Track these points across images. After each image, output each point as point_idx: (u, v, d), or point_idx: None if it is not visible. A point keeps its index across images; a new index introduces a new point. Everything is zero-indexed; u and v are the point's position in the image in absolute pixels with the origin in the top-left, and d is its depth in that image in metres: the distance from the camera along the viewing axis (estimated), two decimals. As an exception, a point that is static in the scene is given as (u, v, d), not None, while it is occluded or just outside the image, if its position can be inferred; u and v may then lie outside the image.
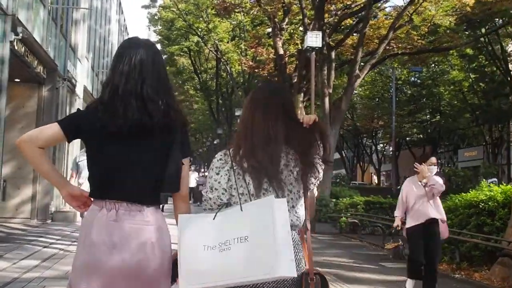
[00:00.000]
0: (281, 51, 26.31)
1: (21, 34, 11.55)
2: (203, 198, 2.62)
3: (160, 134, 2.41)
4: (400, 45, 25.57)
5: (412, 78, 47.68)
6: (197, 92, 49.04)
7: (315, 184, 2.69)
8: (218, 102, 43.60)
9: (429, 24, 25.86)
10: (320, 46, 16.87)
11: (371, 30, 25.28)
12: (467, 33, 28.13)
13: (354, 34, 25.81)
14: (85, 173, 9.37)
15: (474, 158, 51.14)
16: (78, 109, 3.04)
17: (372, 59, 21.07)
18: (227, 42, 36.51)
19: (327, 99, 20.20)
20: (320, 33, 16.77)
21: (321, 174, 2.69)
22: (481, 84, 41.30)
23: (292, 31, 29.78)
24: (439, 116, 48.04)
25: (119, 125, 2.33)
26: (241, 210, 2.41)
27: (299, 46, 26.37)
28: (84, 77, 20.29)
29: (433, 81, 44.84)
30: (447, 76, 43.20)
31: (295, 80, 26.40)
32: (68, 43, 17.28)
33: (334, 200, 18.08)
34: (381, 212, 16.02)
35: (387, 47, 22.63)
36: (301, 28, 29.75)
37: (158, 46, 51.00)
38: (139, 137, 2.39)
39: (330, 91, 20.94)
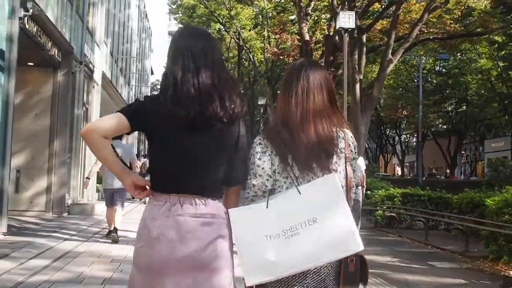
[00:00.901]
0: (307, 37, 25.05)
1: (31, 10, 10.42)
2: (247, 186, 2.49)
3: (225, 125, 2.35)
4: (431, 30, 24.16)
5: (437, 67, 46.38)
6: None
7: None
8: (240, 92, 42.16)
9: (463, 7, 24.39)
10: (353, 27, 15.56)
11: (402, 14, 23.90)
12: (502, 17, 26.41)
13: (383, 18, 24.47)
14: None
15: (501, 149, 49.55)
16: (137, 99, 2.69)
17: (406, 42, 19.70)
18: (249, 30, 35.24)
19: (358, 86, 18.91)
20: (353, 13, 15.47)
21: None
22: (510, 72, 39.69)
23: (316, 17, 28.47)
24: (465, 106, 46.65)
25: (188, 118, 2.28)
26: (300, 193, 2.33)
27: (326, 31, 25.07)
28: (102, 62, 19.15)
29: (459, 70, 43.41)
30: (474, 65, 41.67)
31: (322, 67, 25.20)
32: (85, 26, 16.09)
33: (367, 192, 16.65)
34: (419, 205, 14.73)
35: (418, 32, 21.23)
36: (324, 16, 28.52)
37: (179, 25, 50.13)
38: (206, 129, 2.33)
39: (361, 77, 19.63)
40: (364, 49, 20.02)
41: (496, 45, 38.34)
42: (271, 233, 2.30)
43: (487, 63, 40.86)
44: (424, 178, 36.94)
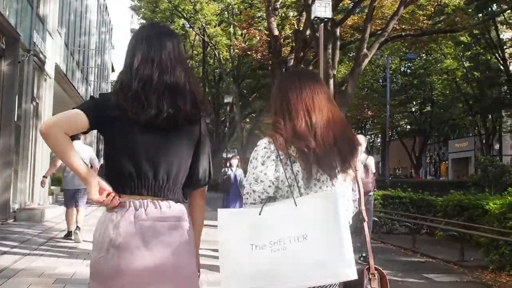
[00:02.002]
0: (276, 32, 23.65)
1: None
2: (245, 191, 2.36)
3: (189, 124, 2.24)
4: (404, 26, 23.09)
5: (402, 68, 45.81)
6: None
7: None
8: (205, 90, 40.53)
9: (436, 3, 23.38)
10: (330, 16, 14.20)
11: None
12: (475, 14, 25.53)
13: (355, 14, 23.32)
14: (66, 168, 9.28)
15: (465, 150, 49.28)
16: (92, 97, 2.34)
17: (381, 37, 18.46)
18: (215, 26, 33.71)
19: (331, 81, 17.57)
20: (329, 2, 14.11)
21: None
22: (475, 73, 39.25)
23: (283, 14, 27.14)
24: (430, 107, 46.14)
25: (151, 116, 2.13)
26: (295, 205, 2.19)
27: (295, 26, 23.75)
28: (56, 54, 17.27)
29: (425, 70, 42.84)
30: (440, 65, 41.11)
31: (291, 63, 23.89)
32: (35, 12, 14.32)
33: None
34: (400, 208, 13.48)
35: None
36: (292, 14, 27.19)
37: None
38: (170, 130, 2.19)
39: (335, 72, 18.33)
40: (338, 43, 18.73)
41: (462, 45, 37.92)
42: (258, 242, 2.16)
43: (453, 63, 40.41)
44: (390, 178, 36.07)
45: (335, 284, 2.25)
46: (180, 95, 2.21)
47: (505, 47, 36.03)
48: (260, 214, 2.22)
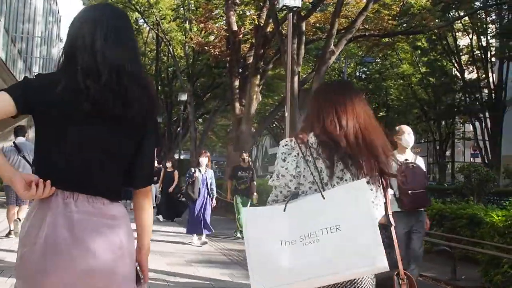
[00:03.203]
0: (235, 27, 22.33)
1: None
2: (273, 188, 2.37)
3: (134, 121, 2.01)
4: (367, 26, 22.09)
5: (357, 73, 45.16)
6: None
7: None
8: (157, 88, 38.55)
9: (402, 3, 22.45)
10: (299, 5, 12.86)
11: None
12: (441, 15, 24.70)
13: (318, 11, 22.16)
14: (12, 164, 8.54)
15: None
16: (26, 77, 2.01)
17: (349, 33, 17.32)
18: (170, 22, 31.93)
19: (296, 78, 16.30)
20: (299, -11, 12.79)
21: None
22: (430, 78, 38.85)
23: (241, 12, 25.73)
24: (384, 111, 45.60)
25: (90, 110, 1.90)
26: (323, 198, 2.16)
27: (256, 21, 22.42)
28: (-7, 39, 15.46)
29: (380, 75, 42.25)
30: (396, 70, 40.57)
31: (250, 61, 22.55)
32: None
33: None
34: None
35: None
36: (248, 13, 25.82)
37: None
38: (111, 124, 1.97)
39: (300, 69, 17.07)
40: (304, 38, 17.44)
41: (419, 50, 37.44)
42: (287, 238, 2.12)
43: (409, 68, 39.93)
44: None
45: (368, 279, 2.21)
46: (128, 87, 1.97)
47: (461, 53, 35.73)
48: (284, 211, 2.17)
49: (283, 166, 2.30)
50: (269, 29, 21.58)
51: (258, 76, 21.63)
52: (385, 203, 2.37)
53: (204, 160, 10.53)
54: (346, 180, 2.27)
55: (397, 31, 22.11)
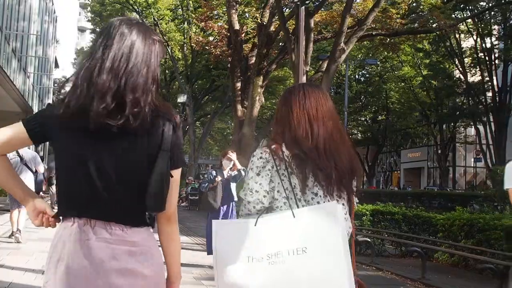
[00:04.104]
0: (237, 26, 21.36)
1: None
2: (242, 203, 2.26)
3: (146, 139, 1.87)
4: (374, 25, 21.12)
5: (357, 76, 44.35)
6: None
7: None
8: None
9: (410, 1, 21.54)
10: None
11: (342, 7, 20.79)
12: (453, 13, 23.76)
13: (325, 9, 21.24)
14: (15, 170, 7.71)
15: (417, 159, 48.18)
16: (49, 104, 2.01)
17: (360, 30, 16.35)
18: (168, 22, 30.97)
19: (304, 78, 15.32)
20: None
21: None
22: (432, 81, 38.00)
23: (240, 12, 24.77)
24: (384, 115, 44.75)
25: (98, 127, 1.79)
26: (294, 217, 2.08)
27: (259, 20, 21.48)
28: (-15, 35, 14.40)
29: (380, 77, 41.41)
30: (397, 73, 39.73)
31: (253, 61, 21.60)
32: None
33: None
34: (392, 225, 11.26)
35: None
36: (248, 12, 24.86)
37: (89, 25, 45.48)
38: (121, 144, 1.85)
39: (308, 68, 16.09)
40: (312, 35, 16.46)
41: (421, 53, 36.65)
42: (255, 255, 2.05)
43: (410, 71, 39.13)
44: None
45: None
46: (132, 102, 1.82)
47: (464, 56, 34.92)
48: (255, 225, 2.10)
49: (257, 182, 2.20)
50: (272, 28, 20.67)
51: (261, 77, 20.68)
52: (351, 216, 2.31)
53: (227, 162, 8.72)
54: (320, 196, 2.18)
55: (405, 30, 21.10)
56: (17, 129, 1.90)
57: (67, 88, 1.91)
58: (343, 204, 2.23)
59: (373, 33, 21.02)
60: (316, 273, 1.97)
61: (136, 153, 1.88)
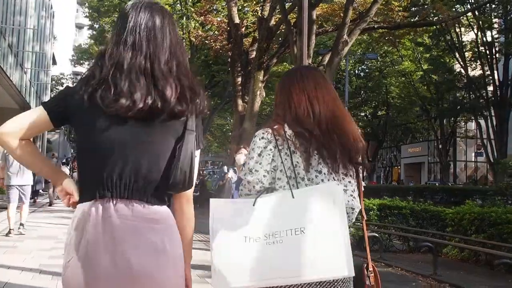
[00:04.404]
0: (237, 20, 20.97)
1: None
2: (242, 183, 2.23)
3: (172, 120, 1.89)
4: (376, 18, 20.77)
5: (356, 70, 44.00)
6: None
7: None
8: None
9: (413, -8, 21.24)
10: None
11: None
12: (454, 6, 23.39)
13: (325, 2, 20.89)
14: (15, 165, 9.73)
15: (418, 155, 47.88)
16: (67, 86, 2.02)
17: (363, 22, 16.02)
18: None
19: (307, 71, 14.98)
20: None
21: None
22: (433, 76, 37.66)
23: (240, 7, 24.39)
24: (384, 110, 44.39)
25: (123, 107, 1.81)
26: (293, 197, 2.06)
27: (259, 13, 21.13)
28: (-20, 29, 14.04)
29: (380, 72, 41.03)
30: (397, 67, 39.35)
31: (253, 55, 21.22)
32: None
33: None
34: (399, 220, 10.95)
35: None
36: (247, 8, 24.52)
37: (86, 22, 45.09)
38: (146, 123, 1.86)
39: (310, 61, 15.73)
40: (314, 28, 16.12)
41: (421, 47, 36.33)
42: (252, 234, 2.03)
43: (411, 65, 38.77)
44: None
45: (336, 280, 2.08)
46: (162, 83, 1.86)
47: (465, 50, 34.58)
48: (254, 205, 2.07)
49: (258, 161, 2.17)
50: (273, 22, 20.31)
51: (262, 72, 20.31)
52: (359, 195, 2.25)
53: (240, 157, 7.86)
54: (324, 174, 2.15)
55: (407, 23, 20.75)
56: (38, 112, 1.91)
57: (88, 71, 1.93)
58: (349, 182, 2.20)
59: (375, 26, 20.67)
60: (313, 254, 1.95)
61: (163, 132, 1.89)
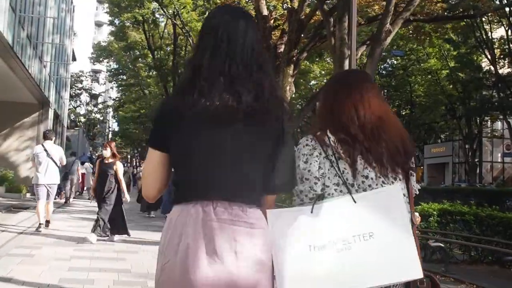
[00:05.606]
0: (265, 11, 19.74)
1: None
2: (294, 193, 2.17)
3: (269, 121, 1.89)
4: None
5: (379, 69, 42.59)
6: (151, 72, 41.65)
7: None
8: (174, 84, 35.85)
9: (453, -17, 19.80)
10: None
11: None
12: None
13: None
14: (43, 164, 10.49)
15: (441, 155, 46.24)
16: (157, 109, 2.03)
17: (406, 11, 14.60)
18: (188, 12, 29.33)
19: (347, 62, 13.63)
20: None
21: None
22: (459, 74, 36.10)
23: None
24: (408, 109, 42.90)
25: (206, 108, 1.82)
26: (355, 202, 1.98)
27: (289, 4, 19.89)
28: (-4, 15, 12.86)
29: (404, 70, 39.53)
30: (423, 65, 37.84)
31: (282, 49, 19.94)
32: None
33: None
34: (461, 226, 9.59)
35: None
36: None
37: (106, 17, 44.05)
38: (243, 125, 1.85)
39: (350, 52, 14.39)
40: (355, 15, 14.75)
41: (449, 45, 34.82)
42: (316, 243, 1.94)
43: (437, 63, 37.24)
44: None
45: (398, 284, 2.01)
46: (255, 86, 1.88)
47: (495, 46, 33.00)
48: (312, 212, 1.99)
49: (305, 168, 2.07)
50: (303, 14, 19.04)
51: (292, 66, 19.11)
52: (409, 200, 2.13)
53: None
54: (372, 179, 2.05)
55: (446, 16, 19.34)
56: (152, 155, 1.95)
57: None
58: (401, 188, 2.08)
59: (411, 18, 19.27)
60: (384, 258, 1.88)
61: (262, 135, 1.88)
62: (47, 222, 10.58)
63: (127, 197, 9.72)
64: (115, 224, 9.45)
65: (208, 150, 1.84)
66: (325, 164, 2.08)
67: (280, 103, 1.95)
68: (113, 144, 10.03)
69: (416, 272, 1.91)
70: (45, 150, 10.54)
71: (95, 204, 10.18)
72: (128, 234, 9.61)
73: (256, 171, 1.89)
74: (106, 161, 9.54)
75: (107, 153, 9.54)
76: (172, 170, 2.00)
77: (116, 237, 9.50)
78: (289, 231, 1.96)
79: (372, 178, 2.05)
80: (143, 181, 2.05)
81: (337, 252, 1.90)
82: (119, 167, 9.49)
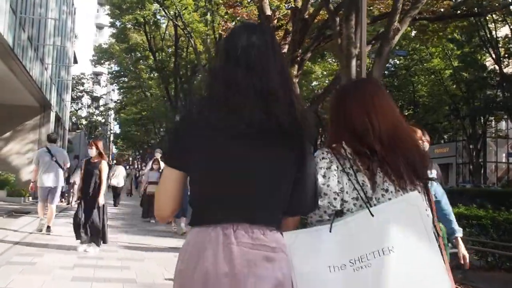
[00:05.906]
0: (269, 11, 19.46)
1: None
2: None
3: (290, 140, 1.84)
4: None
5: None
6: (152, 73, 41.43)
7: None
8: (176, 85, 35.58)
9: (458, -18, 19.48)
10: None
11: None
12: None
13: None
14: (47, 167, 10.60)
15: (445, 155, 45.88)
16: (175, 124, 2.04)
17: (414, 9, 14.26)
18: (190, 13, 29.03)
19: (354, 62, 13.30)
20: None
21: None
22: (463, 73, 35.77)
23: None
24: (411, 109, 42.56)
25: (234, 125, 1.77)
26: (372, 215, 1.85)
27: (293, 3, 19.62)
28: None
29: (407, 70, 39.21)
30: (426, 65, 37.51)
31: (285, 49, 19.64)
32: None
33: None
34: (478, 231, 9.23)
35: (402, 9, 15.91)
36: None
37: (107, 19, 43.74)
38: (265, 145, 1.81)
39: (357, 51, 14.06)
40: (364, 14, 14.43)
41: (452, 44, 34.46)
42: (335, 263, 1.84)
43: (440, 63, 36.92)
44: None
45: None
46: (279, 103, 1.82)
47: (499, 45, 32.66)
48: (331, 231, 1.88)
49: (324, 183, 1.95)
50: (307, 13, 18.75)
51: (296, 66, 18.84)
52: (431, 211, 2.01)
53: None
54: (391, 192, 1.94)
55: (452, 14, 19.03)
56: (169, 175, 1.87)
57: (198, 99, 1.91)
58: (422, 200, 1.98)
59: (417, 17, 18.96)
60: (406, 273, 1.76)
61: (287, 156, 1.84)
62: (48, 227, 10.54)
63: (100, 200, 8.70)
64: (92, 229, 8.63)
65: (232, 169, 1.79)
66: (343, 178, 1.98)
67: (309, 126, 1.91)
68: (100, 143, 9.09)
69: (444, 283, 1.82)
70: (49, 152, 10.63)
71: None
72: (98, 245, 8.75)
73: (279, 192, 1.84)
74: (92, 161, 8.94)
75: (92, 152, 8.87)
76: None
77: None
78: (308, 253, 1.89)
79: (391, 192, 1.96)
80: (156, 202, 1.95)
81: (356, 271, 1.82)
82: (104, 167, 8.82)
